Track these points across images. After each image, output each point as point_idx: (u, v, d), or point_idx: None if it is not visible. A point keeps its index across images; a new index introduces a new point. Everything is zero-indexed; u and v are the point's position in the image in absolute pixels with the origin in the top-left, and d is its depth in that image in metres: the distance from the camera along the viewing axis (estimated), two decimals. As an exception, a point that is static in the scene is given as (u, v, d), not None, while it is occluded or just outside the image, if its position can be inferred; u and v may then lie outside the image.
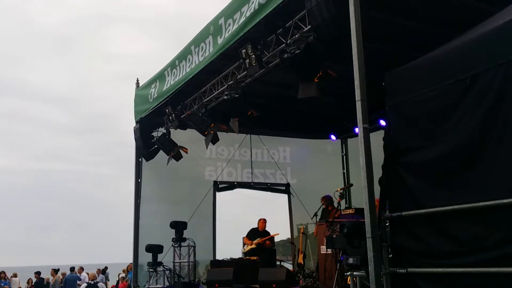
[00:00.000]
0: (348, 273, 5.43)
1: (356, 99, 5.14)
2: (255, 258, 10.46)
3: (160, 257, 10.89)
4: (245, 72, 7.87)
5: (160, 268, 10.73)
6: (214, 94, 9.00)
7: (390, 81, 5.27)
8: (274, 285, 8.59)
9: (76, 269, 17.67)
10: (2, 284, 15.86)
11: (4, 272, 17.50)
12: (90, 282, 13.95)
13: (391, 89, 5.24)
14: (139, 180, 11.96)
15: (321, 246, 8.15)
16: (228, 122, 9.21)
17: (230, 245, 14.01)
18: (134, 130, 11.19)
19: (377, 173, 5.09)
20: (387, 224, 5.07)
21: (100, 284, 13.98)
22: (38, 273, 18.50)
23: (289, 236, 13.92)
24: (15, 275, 18.77)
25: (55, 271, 17.79)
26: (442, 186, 4.54)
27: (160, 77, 10.26)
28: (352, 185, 10.00)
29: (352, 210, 7.90)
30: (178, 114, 9.79)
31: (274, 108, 11.28)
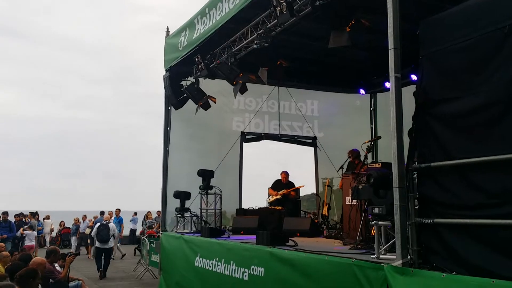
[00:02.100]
0: (373, 223, 5.46)
1: (389, 48, 5.02)
2: (280, 208, 10.65)
3: (187, 204, 11.19)
4: (276, 20, 7.75)
5: (187, 214, 11.04)
6: (243, 43, 8.92)
7: (425, 29, 5.11)
8: (298, 234, 8.76)
9: (106, 214, 18.36)
10: (36, 225, 16.62)
11: (37, 214, 18.27)
12: (103, 222, 14.65)
13: (426, 38, 5.09)
14: (168, 129, 12.12)
15: (346, 198, 8.21)
16: (257, 71, 9.17)
17: (255, 197, 14.25)
18: (164, 79, 11.24)
19: (406, 127, 5.04)
20: (414, 175, 5.06)
21: (111, 225, 14.56)
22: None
23: (313, 190, 14.05)
24: (47, 217, 19.63)
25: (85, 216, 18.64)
26: (473, 138, 4.47)
27: (190, 25, 10.20)
28: (380, 137, 9.92)
29: (379, 164, 7.87)
30: (207, 63, 9.77)
31: (303, 60, 11.17)
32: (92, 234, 15.14)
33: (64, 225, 21.56)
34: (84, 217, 19.42)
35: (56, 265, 8.39)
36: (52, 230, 20.79)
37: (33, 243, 16.05)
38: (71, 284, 8.59)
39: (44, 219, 19.52)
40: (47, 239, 20.22)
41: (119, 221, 18.04)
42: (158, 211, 18.24)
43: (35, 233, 16.35)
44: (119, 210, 18.17)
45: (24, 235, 15.96)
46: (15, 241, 15.57)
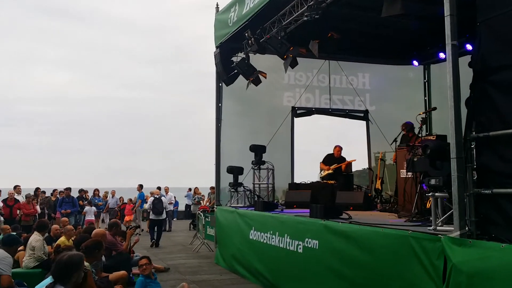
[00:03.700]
0: (429, 194, 5.38)
1: (445, 14, 4.86)
2: (332, 182, 10.63)
3: (240, 179, 11.38)
4: (326, -9, 7.62)
5: (241, 189, 11.24)
6: (293, 16, 8.84)
7: (483, -6, 4.91)
8: (351, 208, 8.75)
9: (163, 189, 18.99)
10: (96, 201, 17.43)
11: (97, 190, 19.15)
12: (155, 196, 15.45)
13: (484, 3, 4.89)
14: (220, 105, 12.29)
15: (401, 170, 8.11)
16: (308, 45, 9.09)
17: (306, 173, 14.30)
18: (215, 55, 11.35)
19: (462, 98, 4.91)
20: (472, 145, 4.94)
21: (164, 199, 15.54)
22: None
23: (365, 166, 13.93)
24: (113, 193, 20.56)
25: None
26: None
27: (239, 0, 10.21)
28: (435, 108, 9.65)
29: (433, 137, 7.70)
30: (257, 38, 9.77)
31: (355, 32, 10.94)
32: (147, 207, 16.00)
33: (123, 200, 22.51)
34: (113, 192, 20.14)
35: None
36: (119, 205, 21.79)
37: (93, 218, 16.90)
38: (134, 259, 8.97)
39: (104, 195, 20.44)
40: (108, 214, 21.15)
41: (140, 197, 18.74)
42: (211, 186, 18.74)
43: (94, 208, 17.20)
44: (141, 186, 18.84)
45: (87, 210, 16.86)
46: (77, 215, 16.46)
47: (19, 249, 7.81)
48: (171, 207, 16.23)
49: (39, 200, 16.36)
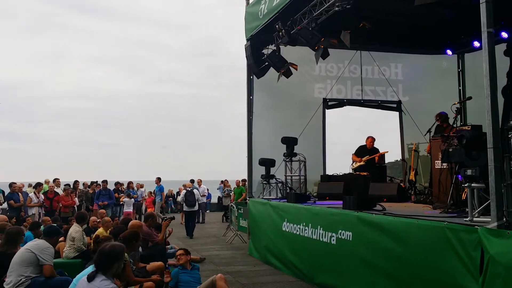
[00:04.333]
0: (465, 185, 5.30)
1: (481, 1, 4.77)
2: (365, 173, 10.56)
3: (272, 171, 11.42)
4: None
5: (273, 181, 11.29)
6: (324, 7, 8.78)
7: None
8: (385, 199, 8.68)
9: (195, 182, 19.25)
10: (131, 193, 17.82)
11: (132, 182, 19.55)
12: (187, 189, 15.97)
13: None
14: (251, 98, 12.35)
15: (436, 161, 7.99)
16: (339, 36, 9.02)
17: (337, 165, 14.23)
18: (245, 48, 11.39)
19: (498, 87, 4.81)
20: (509, 135, 4.85)
21: (195, 191, 15.94)
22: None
23: (397, 158, 13.80)
24: (141, 186, 20.91)
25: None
26: None
27: (270, -8, 10.20)
28: (471, 97, 9.46)
29: (468, 127, 7.55)
30: (288, 29, 9.75)
31: (387, 22, 10.79)
32: (180, 200, 16.51)
33: (164, 195, 23.06)
34: (138, 185, 20.47)
35: None
36: (145, 198, 22.17)
37: (131, 209, 17.32)
38: (169, 251, 9.15)
39: (138, 188, 20.83)
40: (143, 206, 21.58)
41: (160, 190, 19.01)
42: (243, 179, 18.89)
43: (132, 200, 17.65)
44: (159, 179, 19.21)
45: (122, 202, 17.28)
46: (114, 207, 16.90)
47: (59, 240, 8.09)
48: (204, 200, 16.49)
49: (77, 192, 16.83)
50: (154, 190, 20.09)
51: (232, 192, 19.11)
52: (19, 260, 5.88)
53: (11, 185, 14.66)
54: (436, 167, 8.02)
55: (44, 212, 14.77)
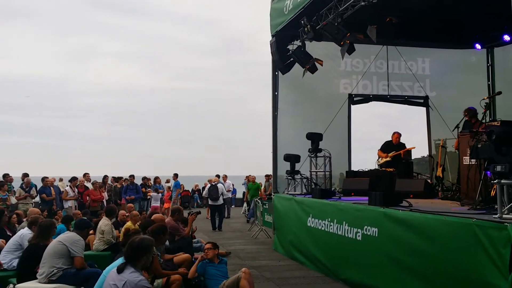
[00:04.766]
0: (495, 181, 5.22)
1: (513, -5, 4.70)
2: (391, 169, 10.47)
3: (297, 167, 11.43)
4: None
5: (298, 176, 11.30)
6: (350, 1, 8.71)
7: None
8: (411, 196, 8.60)
9: (221, 177, 19.39)
10: (158, 188, 18.14)
11: (158, 177, 19.85)
12: (212, 183, 16.16)
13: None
14: (276, 93, 12.37)
15: (464, 157, 7.88)
16: (365, 31, 8.97)
17: (362, 161, 14.16)
18: (270, 44, 11.40)
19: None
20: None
21: (219, 185, 16.01)
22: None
23: (424, 154, 13.65)
24: (168, 181, 21.21)
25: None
26: None
27: (295, -13, 10.18)
28: (500, 92, 9.30)
29: (498, 123, 7.41)
30: (314, 25, 9.72)
31: (414, 16, 10.65)
32: (204, 194, 16.84)
33: (183, 188, 23.30)
34: (159, 181, 20.67)
35: None
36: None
37: (158, 204, 17.59)
38: (195, 245, 9.27)
39: (165, 182, 21.15)
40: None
41: (176, 186, 19.18)
42: (267, 174, 18.93)
43: (159, 195, 17.95)
44: (176, 175, 19.51)
45: (149, 197, 17.59)
46: (141, 201, 17.19)
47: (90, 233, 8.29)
48: (229, 194, 16.63)
49: (106, 187, 17.15)
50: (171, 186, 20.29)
51: (247, 188, 18.83)
52: (51, 252, 6.06)
53: (43, 179, 15.05)
54: (464, 163, 7.90)
55: (76, 205, 15.10)
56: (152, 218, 7.92)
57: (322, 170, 11.30)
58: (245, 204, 18.14)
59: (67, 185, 15.71)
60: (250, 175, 18.72)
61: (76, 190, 15.30)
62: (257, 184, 18.02)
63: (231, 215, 19.70)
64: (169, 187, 20.59)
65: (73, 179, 15.86)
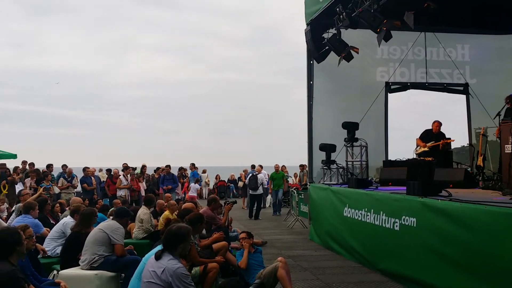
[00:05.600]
0: (539, 170, 5.06)
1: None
2: (430, 158, 10.26)
3: (333, 156, 11.36)
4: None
5: (333, 166, 11.23)
6: (387, -13, 8.56)
7: None
8: (451, 185, 8.40)
9: (256, 167, 19.49)
10: (195, 176, 18.56)
11: (194, 164, 20.22)
12: (253, 173, 16.52)
13: None
14: (311, 83, 12.28)
15: (505, 146, 7.64)
16: (402, 17, 8.77)
17: (401, 151, 13.93)
18: (305, 33, 11.31)
19: None
20: None
21: (260, 175, 16.31)
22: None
23: (463, 144, 13.30)
24: (204, 171, 21.52)
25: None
26: None
27: (330, -25, 10.05)
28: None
29: (542, 109, 7.17)
30: (349, 12, 9.58)
31: (453, 2, 10.36)
32: (247, 182, 17.02)
33: (219, 178, 23.57)
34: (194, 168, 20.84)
35: None
36: (208, 182, 22.82)
37: (195, 194, 17.86)
38: (231, 234, 9.36)
39: (202, 172, 21.48)
40: (205, 191, 22.21)
41: (194, 175, 19.24)
42: (301, 165, 18.87)
43: (197, 185, 18.24)
44: (193, 164, 19.60)
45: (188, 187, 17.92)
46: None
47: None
48: (265, 185, 16.69)
49: (144, 177, 17.50)
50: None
51: (268, 178, 17.82)
52: (93, 239, 6.23)
53: (84, 169, 15.51)
54: (506, 151, 7.67)
55: (129, 194, 15.42)
56: (183, 207, 8.03)
57: (358, 159, 11.19)
58: (269, 196, 17.41)
59: (120, 174, 16.16)
60: (276, 164, 17.96)
61: (129, 178, 15.71)
62: (282, 173, 17.33)
63: (266, 205, 19.76)
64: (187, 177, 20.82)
65: (125, 168, 16.31)
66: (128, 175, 15.67)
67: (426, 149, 10.72)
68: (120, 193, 15.28)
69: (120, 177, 15.86)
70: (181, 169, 19.52)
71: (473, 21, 11.91)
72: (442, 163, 10.25)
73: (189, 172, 20.31)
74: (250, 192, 16.20)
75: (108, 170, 17.44)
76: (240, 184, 18.69)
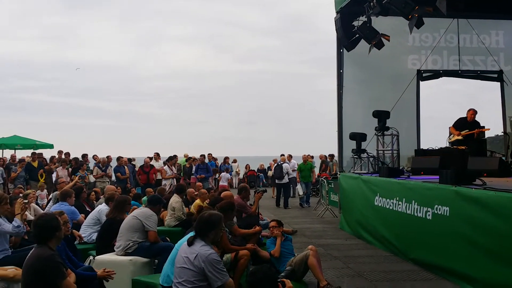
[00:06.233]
0: None
1: None
2: (463, 147, 10.07)
3: (363, 145, 11.27)
4: None
5: (364, 155, 11.14)
6: (419, -27, 8.41)
7: None
8: (485, 174, 8.23)
9: (281, 157, 19.53)
10: (227, 167, 18.73)
11: (228, 158, 20.39)
12: (278, 163, 16.73)
13: None
14: (341, 71, 12.19)
15: (542, 134, 7.47)
16: (434, 3, 8.59)
17: (433, 140, 13.73)
18: (335, 21, 11.21)
19: None
20: None
21: (285, 165, 16.35)
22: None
23: (498, 132, 13.01)
24: (234, 161, 21.72)
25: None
26: None
27: (361, -38, 9.93)
28: None
29: None
30: (380, -1, 9.45)
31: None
32: (271, 173, 17.29)
33: (249, 167, 23.75)
34: (228, 160, 20.85)
35: None
36: (238, 172, 22.99)
37: (226, 184, 18.02)
38: (261, 222, 9.42)
39: (232, 162, 21.64)
40: (235, 180, 22.38)
41: (211, 165, 19.29)
42: (330, 154, 18.77)
43: (228, 175, 18.43)
44: (210, 154, 19.71)
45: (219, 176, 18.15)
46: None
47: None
48: (294, 174, 16.61)
49: (176, 166, 17.73)
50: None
51: (296, 169, 17.03)
52: (127, 226, 6.39)
53: (118, 158, 15.81)
54: (543, 140, 7.50)
55: (174, 183, 15.62)
56: (222, 195, 8.12)
57: (389, 148, 11.06)
58: (298, 185, 16.89)
59: (164, 165, 16.47)
60: (304, 154, 17.46)
61: (174, 169, 15.92)
62: (310, 164, 16.77)
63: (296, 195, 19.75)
64: None
65: (170, 159, 16.54)
66: (173, 166, 15.93)
67: (459, 137, 10.53)
68: (165, 182, 15.55)
69: (164, 167, 16.15)
70: (213, 159, 19.75)
71: (506, 7, 11.58)
72: (475, 151, 10.04)
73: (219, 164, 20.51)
74: (276, 181, 16.48)
75: (129, 160, 17.63)
76: (270, 173, 18.77)
